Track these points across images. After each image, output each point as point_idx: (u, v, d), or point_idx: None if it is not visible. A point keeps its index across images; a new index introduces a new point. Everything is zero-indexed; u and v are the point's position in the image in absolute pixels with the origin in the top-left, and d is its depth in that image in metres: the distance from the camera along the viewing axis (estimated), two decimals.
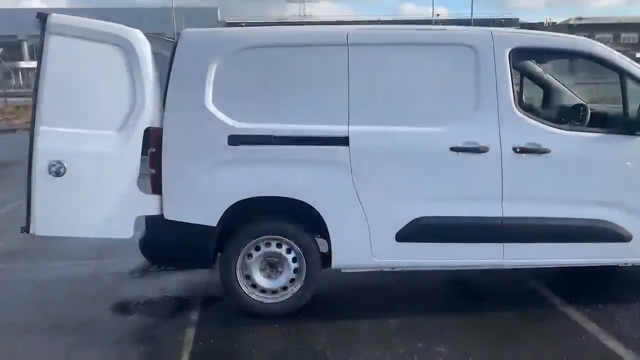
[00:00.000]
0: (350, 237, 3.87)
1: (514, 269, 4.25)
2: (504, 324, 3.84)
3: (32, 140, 3.64)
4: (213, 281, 4.61)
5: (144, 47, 3.75)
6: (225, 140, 3.74)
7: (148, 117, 3.72)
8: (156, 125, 3.75)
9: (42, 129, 3.63)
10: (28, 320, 4.03)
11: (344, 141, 3.78)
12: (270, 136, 3.76)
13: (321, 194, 3.82)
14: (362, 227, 3.85)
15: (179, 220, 3.79)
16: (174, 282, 4.73)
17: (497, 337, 3.66)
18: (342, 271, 4.10)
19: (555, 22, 67.22)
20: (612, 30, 68.06)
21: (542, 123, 3.91)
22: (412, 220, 3.86)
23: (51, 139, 3.64)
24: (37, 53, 3.65)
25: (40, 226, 3.71)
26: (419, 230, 3.86)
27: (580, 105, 4.54)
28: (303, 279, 3.97)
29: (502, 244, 3.92)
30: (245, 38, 3.84)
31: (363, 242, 3.87)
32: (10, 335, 3.84)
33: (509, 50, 3.85)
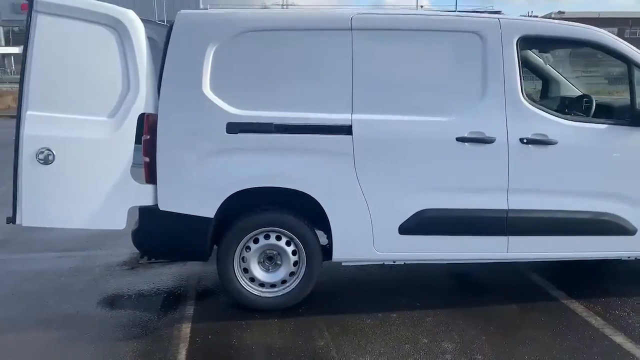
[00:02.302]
0: (352, 229, 3.75)
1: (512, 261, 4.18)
2: (508, 318, 3.77)
3: (18, 125, 3.44)
4: (206, 273, 4.50)
5: (139, 29, 3.56)
6: (224, 128, 3.58)
7: (142, 103, 3.54)
8: (151, 111, 3.58)
9: (29, 114, 3.43)
10: (13, 315, 3.84)
11: (346, 130, 3.64)
12: (270, 124, 3.60)
13: (323, 185, 3.68)
14: (364, 220, 3.73)
15: (174, 211, 3.63)
16: (166, 274, 4.57)
17: (502, 331, 3.58)
18: (343, 264, 3.99)
19: (536, 16, 67.71)
20: (592, 24, 68.57)
21: (549, 114, 3.82)
22: (416, 213, 3.75)
23: (39, 125, 3.44)
24: (25, 33, 3.43)
25: (28, 216, 3.52)
26: (422, 223, 3.76)
27: (585, 96, 4.46)
28: (303, 272, 3.84)
29: (506, 237, 3.84)
30: (244, 20, 3.67)
31: (365, 235, 3.76)
32: None
33: (517, 37, 3.75)
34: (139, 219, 3.70)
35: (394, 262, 3.96)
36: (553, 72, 5.18)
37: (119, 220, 3.60)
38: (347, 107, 3.65)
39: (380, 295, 4.13)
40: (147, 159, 3.61)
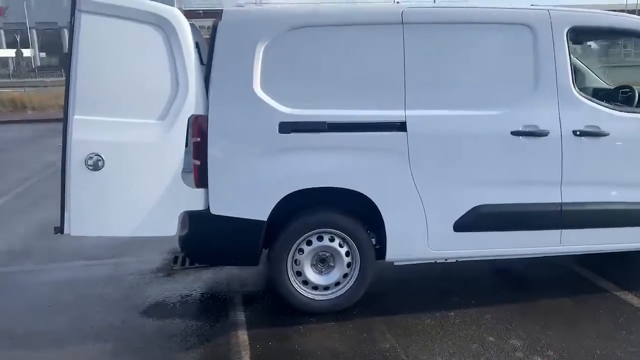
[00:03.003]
0: (406, 228, 3.68)
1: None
2: (566, 312, 3.74)
3: (65, 130, 3.29)
4: (245, 277, 4.41)
5: (185, 27, 3.42)
6: (276, 128, 3.47)
7: (192, 104, 3.41)
8: (200, 112, 3.45)
9: (76, 119, 3.28)
10: (56, 329, 3.68)
11: (400, 127, 3.56)
12: (323, 123, 3.51)
13: (377, 184, 3.60)
14: (419, 218, 3.66)
15: (226, 215, 3.51)
16: (205, 280, 4.44)
17: (565, 326, 3.54)
18: (395, 264, 3.90)
19: None
20: None
21: (601, 105, 3.80)
22: (471, 209, 3.69)
23: (87, 129, 3.29)
24: (69, 34, 3.28)
25: (77, 226, 3.37)
26: (478, 219, 3.70)
27: (625, 87, 4.45)
28: (357, 273, 3.76)
29: (559, 230, 3.81)
30: (293, 16, 3.56)
31: (420, 234, 3.69)
32: (40, 344, 3.49)
33: (567, 29, 3.72)
34: (190, 224, 3.57)
35: (446, 260, 3.90)
36: (579, 64, 5.17)
37: (170, 226, 3.47)
38: (400, 103, 3.57)
39: (431, 293, 4.07)
40: (198, 162, 3.48)
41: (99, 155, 3.29)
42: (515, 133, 3.64)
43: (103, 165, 3.31)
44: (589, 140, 3.73)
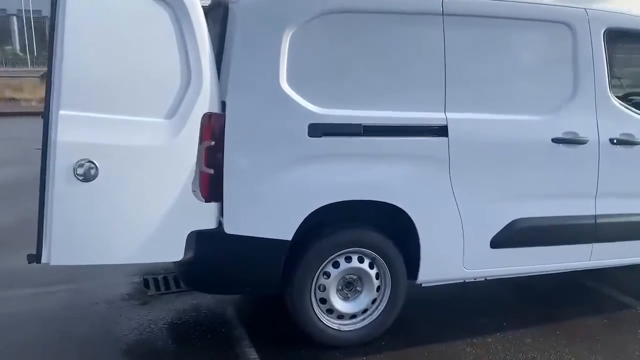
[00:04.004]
0: (443, 246, 3.28)
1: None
2: (604, 335, 3.49)
3: (47, 130, 2.55)
4: (236, 303, 3.84)
5: (197, 6, 2.80)
6: (305, 131, 2.93)
7: (206, 101, 2.79)
8: (215, 111, 2.83)
9: (62, 114, 2.55)
10: None
11: (441, 131, 3.15)
12: (359, 125, 3.02)
13: (415, 196, 3.16)
14: (456, 234, 3.28)
15: (244, 234, 2.92)
16: (191, 307, 3.77)
17: (612, 350, 3.30)
18: (423, 285, 3.47)
19: None
20: None
21: (634, 112, 3.62)
22: (509, 223, 3.37)
23: (76, 128, 2.57)
24: (51, 7, 2.55)
25: (59, 253, 2.63)
26: (516, 234, 3.38)
27: (632, 94, 4.33)
28: (387, 298, 3.30)
29: (591, 244, 3.59)
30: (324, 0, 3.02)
31: (456, 252, 3.31)
32: None
33: (603, 29, 3.50)
34: (196, 247, 2.91)
35: (475, 279, 3.54)
36: None
37: (177, 249, 2.83)
38: (440, 105, 3.17)
39: (457, 316, 3.68)
40: (211, 171, 2.86)
41: (91, 162, 2.58)
42: (556, 140, 3.37)
43: (96, 175, 2.60)
44: (623, 149, 3.54)
